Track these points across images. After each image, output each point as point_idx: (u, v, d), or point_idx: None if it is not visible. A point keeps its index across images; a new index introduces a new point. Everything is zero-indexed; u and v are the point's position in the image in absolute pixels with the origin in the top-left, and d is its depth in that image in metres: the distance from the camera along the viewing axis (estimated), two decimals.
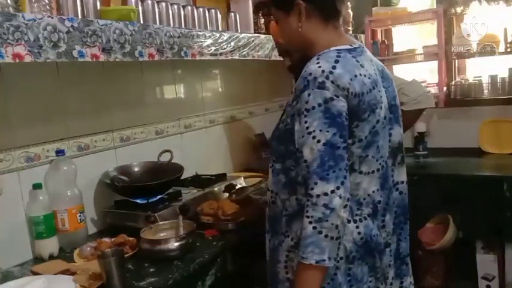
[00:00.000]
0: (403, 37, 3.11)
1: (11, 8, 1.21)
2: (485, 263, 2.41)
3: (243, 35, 2.12)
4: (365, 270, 1.20)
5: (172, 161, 1.94)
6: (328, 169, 1.04)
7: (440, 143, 2.81)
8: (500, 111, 2.65)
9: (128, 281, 1.29)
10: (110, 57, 1.45)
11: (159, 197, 1.79)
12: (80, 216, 1.62)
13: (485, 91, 2.71)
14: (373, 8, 2.91)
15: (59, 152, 1.62)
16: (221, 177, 2.11)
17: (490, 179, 2.30)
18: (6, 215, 1.50)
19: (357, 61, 1.15)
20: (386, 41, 2.96)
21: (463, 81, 2.78)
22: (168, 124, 2.19)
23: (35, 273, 1.38)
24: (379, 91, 1.17)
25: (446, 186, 2.39)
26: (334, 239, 1.05)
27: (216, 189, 1.96)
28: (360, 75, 1.12)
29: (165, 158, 1.95)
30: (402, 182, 1.32)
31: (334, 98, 1.06)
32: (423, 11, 2.77)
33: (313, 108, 1.06)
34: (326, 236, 1.03)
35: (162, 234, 1.55)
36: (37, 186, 1.52)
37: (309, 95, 1.07)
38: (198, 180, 2.08)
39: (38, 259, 1.53)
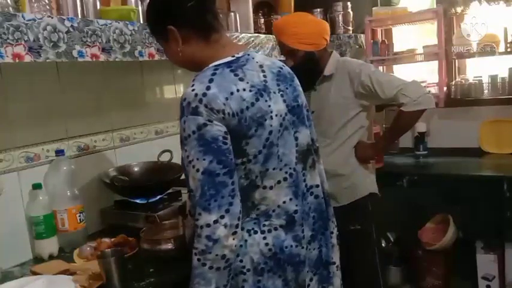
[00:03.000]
0: (403, 37, 3.11)
1: (11, 8, 1.22)
2: (485, 263, 2.41)
3: (243, 34, 2.12)
4: (278, 284, 1.15)
5: (172, 161, 1.94)
6: (209, 199, 1.01)
7: (440, 143, 2.81)
8: (500, 111, 2.65)
9: (127, 281, 1.28)
10: (110, 57, 1.45)
11: (159, 197, 1.79)
12: (79, 216, 1.62)
13: (485, 91, 2.70)
14: (373, 8, 2.90)
15: (59, 152, 1.62)
16: None
17: (490, 179, 2.29)
18: (6, 215, 1.50)
19: (236, 75, 1.10)
20: (386, 41, 2.95)
21: (463, 81, 2.78)
22: (168, 124, 2.19)
23: (34, 273, 1.38)
24: (267, 100, 1.12)
25: (446, 186, 2.39)
26: (222, 269, 1.03)
27: None
28: (238, 91, 1.07)
29: (165, 158, 1.95)
30: (317, 186, 1.27)
31: (208, 123, 1.03)
32: (423, 11, 2.76)
33: (189, 136, 1.03)
34: (211, 267, 1.02)
35: (162, 234, 1.55)
36: (37, 186, 1.52)
37: (184, 122, 1.04)
38: None
39: (37, 259, 1.53)
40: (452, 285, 2.62)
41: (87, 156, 1.79)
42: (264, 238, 1.14)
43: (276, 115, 1.13)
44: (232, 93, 1.06)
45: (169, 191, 1.85)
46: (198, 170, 1.03)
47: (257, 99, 1.10)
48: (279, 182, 1.15)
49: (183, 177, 1.89)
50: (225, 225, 1.01)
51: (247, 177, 1.11)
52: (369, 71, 1.84)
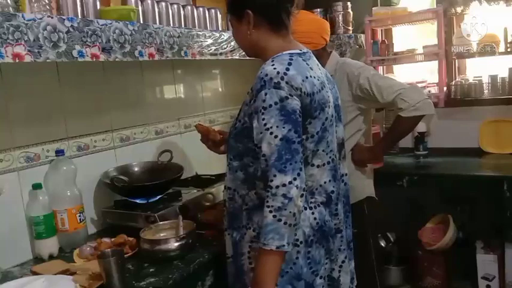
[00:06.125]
0: (403, 37, 3.11)
1: (11, 8, 1.22)
2: (485, 263, 2.41)
3: None
4: (322, 253, 1.30)
5: (172, 161, 1.94)
6: (285, 162, 1.13)
7: (440, 143, 2.81)
8: (500, 111, 2.65)
9: (127, 281, 1.29)
10: (110, 57, 1.45)
11: (159, 197, 1.79)
12: (79, 216, 1.62)
13: (486, 91, 2.70)
14: (373, 8, 2.90)
15: (59, 152, 1.62)
16: (221, 177, 2.10)
17: (490, 179, 2.29)
18: (6, 215, 1.50)
19: (307, 64, 1.25)
20: (386, 41, 2.95)
21: (463, 81, 2.78)
22: (168, 124, 2.19)
23: (34, 273, 1.39)
24: (327, 91, 1.29)
25: (446, 186, 2.39)
26: (292, 225, 1.14)
27: (215, 189, 1.96)
28: (310, 76, 1.22)
29: (165, 158, 1.95)
30: (346, 174, 1.44)
31: (289, 96, 1.15)
32: (423, 11, 2.76)
33: (270, 106, 1.15)
34: (285, 223, 1.13)
35: (162, 234, 1.55)
36: (37, 186, 1.53)
37: (265, 94, 1.15)
38: (198, 180, 2.08)
39: (37, 259, 1.54)
40: (452, 285, 2.62)
41: (87, 156, 1.79)
42: (312, 213, 1.28)
43: (331, 106, 1.30)
44: (307, 77, 1.21)
45: (169, 191, 1.85)
46: (276, 136, 1.14)
47: (322, 88, 1.26)
48: (323, 164, 1.29)
49: (183, 177, 1.91)
50: (297, 187, 1.13)
51: (302, 153, 1.21)
52: (368, 74, 1.82)
